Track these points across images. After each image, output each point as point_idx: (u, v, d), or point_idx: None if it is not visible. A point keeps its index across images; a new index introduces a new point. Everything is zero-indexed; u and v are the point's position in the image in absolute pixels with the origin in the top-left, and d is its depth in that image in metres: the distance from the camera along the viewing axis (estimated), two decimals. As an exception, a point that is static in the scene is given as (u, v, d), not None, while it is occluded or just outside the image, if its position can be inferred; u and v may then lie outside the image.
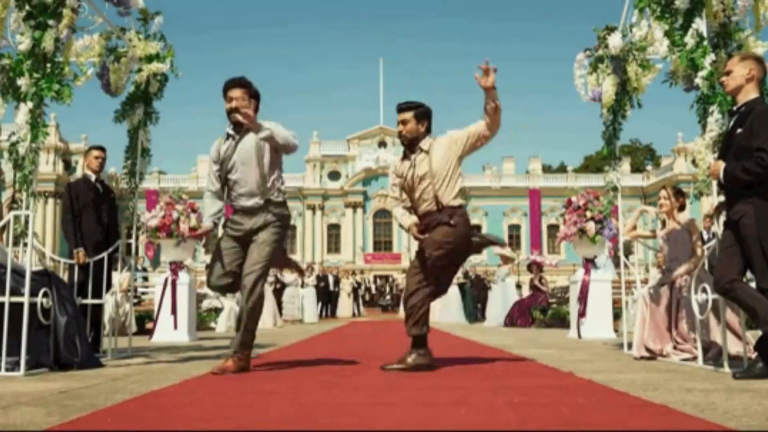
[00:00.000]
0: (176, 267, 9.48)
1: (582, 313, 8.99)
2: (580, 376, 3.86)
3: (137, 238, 6.05)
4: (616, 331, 9.07)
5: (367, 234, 52.20)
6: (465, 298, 17.10)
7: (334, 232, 52.71)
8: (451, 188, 4.30)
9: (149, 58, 5.41)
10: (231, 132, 4.34)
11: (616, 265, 11.43)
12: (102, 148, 5.89)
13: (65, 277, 5.70)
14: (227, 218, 4.45)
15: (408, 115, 4.35)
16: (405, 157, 4.43)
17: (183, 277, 9.43)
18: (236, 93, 4.25)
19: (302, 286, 18.28)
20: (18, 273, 4.26)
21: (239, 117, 4.14)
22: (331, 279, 23.32)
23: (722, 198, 4.11)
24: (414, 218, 4.41)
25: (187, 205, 9.41)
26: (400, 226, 4.55)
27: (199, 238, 4.64)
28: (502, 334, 10.39)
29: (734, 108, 4.00)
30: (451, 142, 4.34)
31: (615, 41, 5.49)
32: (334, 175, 52.87)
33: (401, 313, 25.06)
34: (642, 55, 5.44)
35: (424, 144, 4.33)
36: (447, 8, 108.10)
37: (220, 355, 5.85)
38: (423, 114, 4.38)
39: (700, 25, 4.35)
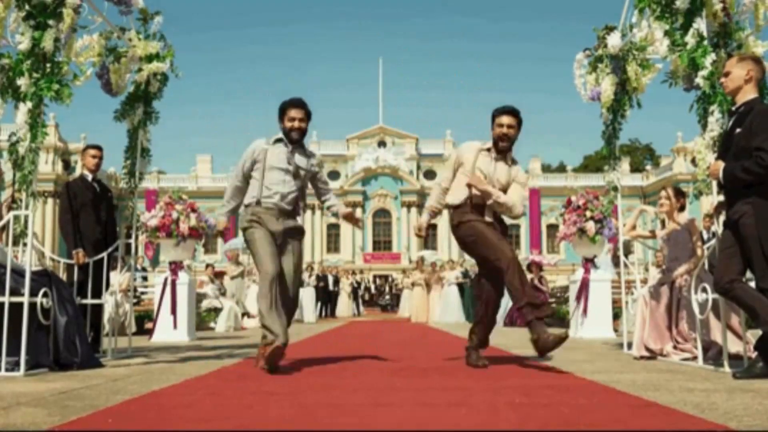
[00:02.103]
0: (176, 267, 9.47)
1: (584, 312, 8.99)
2: (581, 376, 3.86)
3: (137, 237, 6.04)
4: (615, 330, 9.07)
5: (366, 234, 52.20)
6: (465, 298, 17.09)
7: (333, 231, 52.70)
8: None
9: (149, 58, 5.41)
10: (284, 139, 4.60)
11: (616, 264, 11.43)
12: (98, 147, 5.86)
13: (64, 276, 5.69)
14: (256, 216, 4.49)
15: (516, 120, 4.52)
16: (488, 152, 4.54)
17: (182, 277, 9.42)
18: (299, 114, 4.59)
19: (301, 285, 18.27)
20: (18, 273, 4.25)
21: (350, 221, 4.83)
22: (330, 279, 23.30)
23: (722, 198, 4.11)
24: (426, 219, 4.78)
25: (186, 205, 9.40)
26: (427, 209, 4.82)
27: (222, 235, 4.77)
28: (501, 333, 10.38)
29: (733, 108, 4.00)
30: (521, 181, 4.56)
31: (614, 41, 5.49)
32: (334, 175, 52.87)
33: (401, 312, 24.81)
34: (642, 54, 5.44)
35: (511, 157, 4.56)
36: (447, 8, 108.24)
37: (220, 354, 5.85)
38: (521, 124, 4.59)
39: (701, 24, 4.35)
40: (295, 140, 4.59)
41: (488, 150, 4.54)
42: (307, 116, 4.66)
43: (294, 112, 4.58)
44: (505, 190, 4.48)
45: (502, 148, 4.49)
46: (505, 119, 4.49)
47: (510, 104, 4.57)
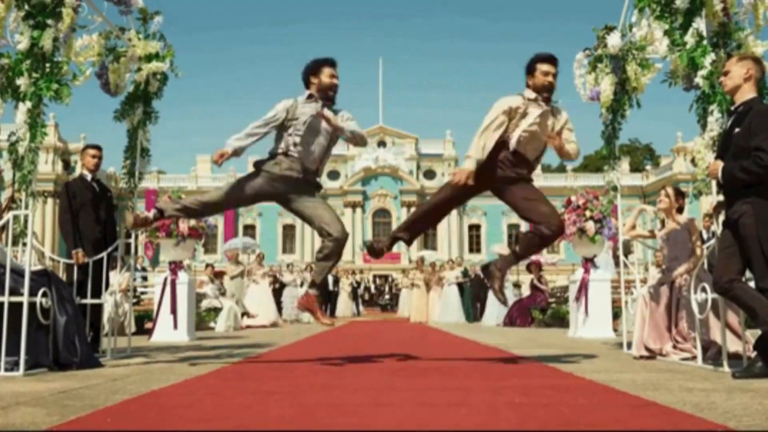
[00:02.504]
0: (175, 267, 9.47)
1: (585, 311, 9.00)
2: (581, 375, 3.86)
3: (136, 237, 6.03)
4: (615, 330, 9.07)
5: (366, 234, 52.10)
6: (464, 298, 17.10)
7: (333, 231, 52.66)
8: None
9: (149, 58, 5.41)
10: (317, 99, 4.59)
11: (616, 264, 11.44)
12: (98, 147, 5.86)
13: (64, 276, 5.69)
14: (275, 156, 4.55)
15: (556, 69, 4.46)
16: (535, 102, 4.43)
17: (182, 276, 9.42)
18: (336, 71, 4.66)
19: (302, 285, 18.27)
20: (17, 273, 4.25)
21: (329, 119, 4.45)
22: (330, 279, 23.30)
23: (721, 197, 4.11)
24: (474, 164, 4.29)
25: (186, 205, 9.39)
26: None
27: (219, 158, 4.56)
28: (501, 333, 10.40)
29: (732, 107, 4.00)
30: (560, 122, 4.42)
31: (614, 41, 5.49)
32: (334, 175, 52.86)
33: (400, 312, 24.80)
34: (641, 54, 5.44)
35: (557, 107, 4.44)
36: (447, 8, 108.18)
37: (220, 354, 5.84)
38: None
39: (700, 24, 4.35)
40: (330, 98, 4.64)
41: (534, 100, 4.40)
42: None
43: (335, 70, 4.66)
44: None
45: (547, 99, 4.39)
46: (550, 68, 4.41)
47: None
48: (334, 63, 4.69)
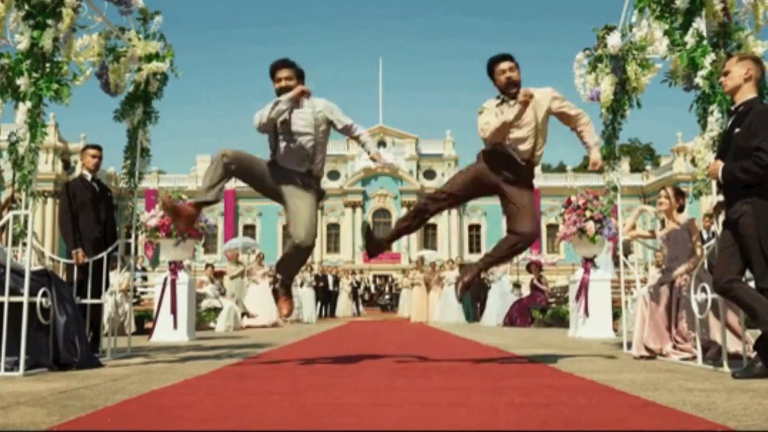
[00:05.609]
0: (175, 267, 9.47)
1: (585, 312, 9.00)
2: (581, 375, 3.86)
3: (136, 237, 6.03)
4: (615, 330, 9.08)
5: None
6: (464, 298, 17.09)
7: (333, 231, 52.70)
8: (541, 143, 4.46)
9: (149, 58, 5.41)
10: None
11: (616, 264, 11.44)
12: (98, 147, 5.86)
13: (64, 276, 5.69)
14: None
15: (514, 63, 4.49)
16: (503, 102, 4.45)
17: (182, 276, 9.42)
18: (284, 73, 4.53)
19: (302, 285, 18.26)
20: (17, 273, 4.25)
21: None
22: (330, 279, 23.31)
23: (722, 197, 4.11)
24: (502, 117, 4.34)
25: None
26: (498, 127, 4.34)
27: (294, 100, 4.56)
28: (501, 333, 10.40)
29: (732, 107, 4.00)
30: (545, 96, 4.42)
31: (614, 41, 5.49)
32: (334, 175, 52.87)
33: (400, 312, 24.83)
34: (641, 54, 5.44)
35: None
36: (447, 8, 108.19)
37: (220, 354, 5.84)
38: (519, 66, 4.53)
39: (700, 24, 4.35)
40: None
41: (503, 102, 4.43)
42: (297, 75, 4.60)
43: (280, 73, 4.55)
44: (539, 127, 4.41)
45: (515, 94, 4.38)
46: (504, 65, 4.46)
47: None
48: (277, 65, 4.57)
